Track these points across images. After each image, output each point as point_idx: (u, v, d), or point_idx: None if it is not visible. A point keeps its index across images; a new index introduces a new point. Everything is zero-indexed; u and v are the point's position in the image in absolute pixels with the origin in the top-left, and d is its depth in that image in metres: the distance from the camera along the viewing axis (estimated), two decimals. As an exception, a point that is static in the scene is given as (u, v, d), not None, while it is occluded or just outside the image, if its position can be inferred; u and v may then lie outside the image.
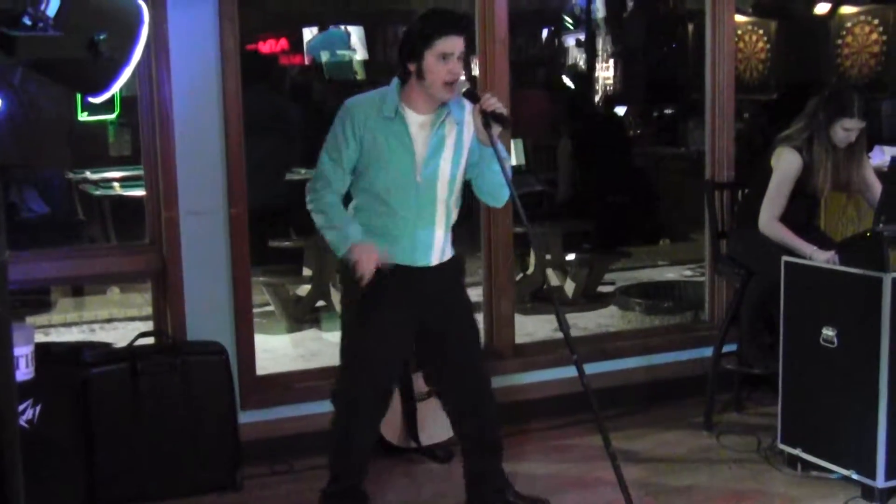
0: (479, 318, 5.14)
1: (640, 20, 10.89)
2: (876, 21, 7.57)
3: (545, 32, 11.66)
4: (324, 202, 3.62)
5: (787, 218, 4.65)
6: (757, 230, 4.68)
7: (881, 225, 4.13)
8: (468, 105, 3.62)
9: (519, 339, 5.26)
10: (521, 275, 7.49)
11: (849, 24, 7.86)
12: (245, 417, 4.47)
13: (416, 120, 3.62)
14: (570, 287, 7.38)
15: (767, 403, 4.95)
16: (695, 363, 5.33)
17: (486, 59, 4.90)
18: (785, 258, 4.43)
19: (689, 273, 8.10)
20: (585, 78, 11.08)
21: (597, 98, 11.33)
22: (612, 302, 7.35)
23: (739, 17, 8.37)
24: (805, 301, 4.35)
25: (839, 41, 7.96)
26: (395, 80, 3.63)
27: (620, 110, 10.31)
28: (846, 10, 7.96)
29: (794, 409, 4.43)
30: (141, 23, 2.39)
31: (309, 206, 3.67)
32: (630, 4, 10.99)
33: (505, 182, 3.59)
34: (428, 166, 3.62)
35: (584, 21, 11.14)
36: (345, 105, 3.65)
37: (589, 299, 7.34)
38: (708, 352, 5.07)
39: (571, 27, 11.36)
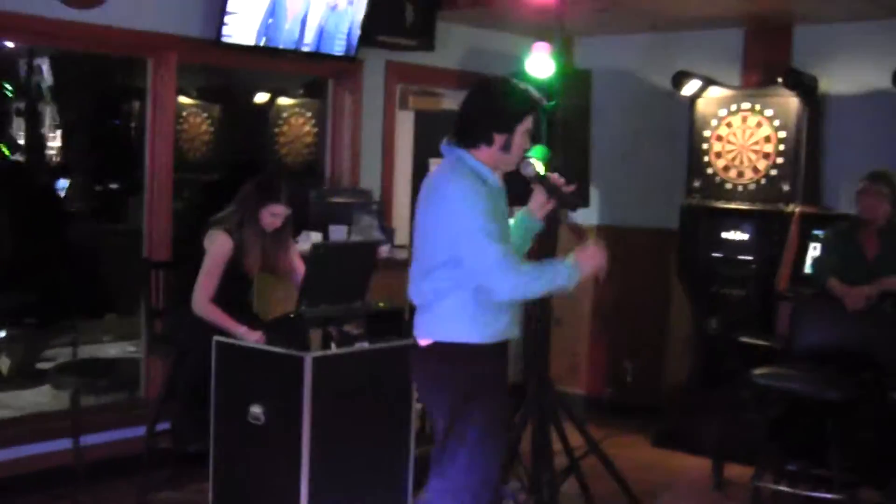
0: None
1: (88, 92, 10.69)
2: (309, 113, 8.12)
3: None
4: (525, 276, 3.40)
5: (220, 298, 4.82)
6: (191, 309, 4.81)
7: (303, 307, 4.44)
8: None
9: None
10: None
11: (285, 115, 8.36)
12: None
13: None
14: (4, 364, 7.06)
15: (203, 480, 5.04)
16: (130, 442, 5.32)
17: None
18: (216, 338, 4.59)
19: (132, 349, 8.02)
20: (28, 148, 10.67)
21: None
22: (47, 380, 7.09)
23: (185, 99, 8.58)
24: (236, 379, 4.52)
25: (277, 129, 8.43)
26: (464, 153, 3.48)
27: (64, 183, 10.06)
28: (283, 101, 8.45)
29: (225, 485, 4.57)
30: None
31: (520, 292, 3.44)
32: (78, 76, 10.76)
33: None
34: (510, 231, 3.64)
35: (26, 89, 10.74)
36: (459, 183, 3.43)
37: (25, 377, 7.03)
38: (143, 430, 5.08)
39: (11, 94, 10.89)
